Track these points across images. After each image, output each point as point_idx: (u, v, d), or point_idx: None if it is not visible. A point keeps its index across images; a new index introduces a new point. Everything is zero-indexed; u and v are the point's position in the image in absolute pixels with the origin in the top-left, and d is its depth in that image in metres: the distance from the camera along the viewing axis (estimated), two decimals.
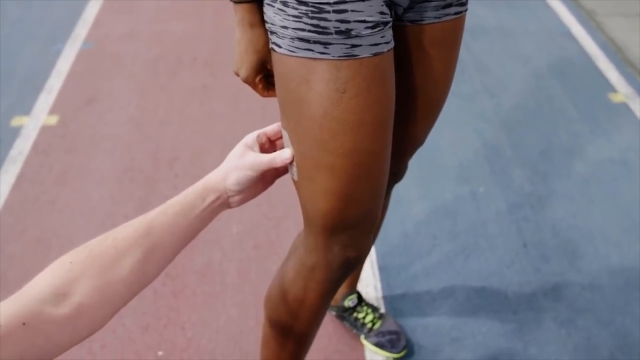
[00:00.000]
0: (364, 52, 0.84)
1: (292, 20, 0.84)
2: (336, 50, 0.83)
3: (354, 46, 0.83)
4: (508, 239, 1.85)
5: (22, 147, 2.20)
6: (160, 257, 0.84)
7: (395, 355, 1.52)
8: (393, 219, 1.91)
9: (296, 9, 0.83)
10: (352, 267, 1.05)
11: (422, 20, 0.96)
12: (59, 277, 0.75)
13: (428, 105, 1.06)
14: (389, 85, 0.90)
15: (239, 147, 0.96)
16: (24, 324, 0.69)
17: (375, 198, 0.97)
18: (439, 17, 0.96)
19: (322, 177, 0.92)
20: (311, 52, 0.84)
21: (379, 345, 1.53)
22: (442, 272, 1.75)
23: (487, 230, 1.88)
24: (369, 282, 1.72)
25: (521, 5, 3.15)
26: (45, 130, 2.28)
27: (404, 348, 1.53)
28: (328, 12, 0.82)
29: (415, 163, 2.12)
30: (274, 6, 0.86)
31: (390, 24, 0.88)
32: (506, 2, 3.18)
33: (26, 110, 2.37)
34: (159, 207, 0.88)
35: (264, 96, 1.00)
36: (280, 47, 0.88)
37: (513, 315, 1.64)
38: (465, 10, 1.00)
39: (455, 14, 0.97)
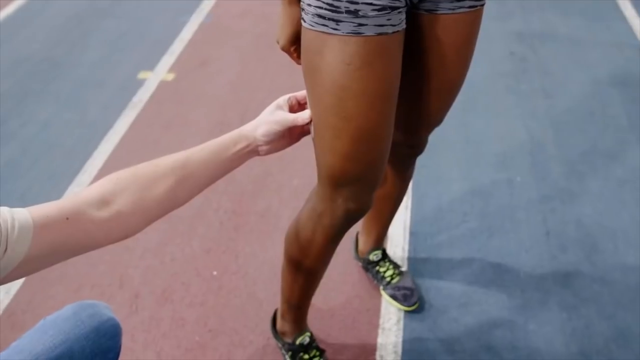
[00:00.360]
0: (368, 31, 0.84)
1: None
2: (345, 27, 0.84)
3: (360, 25, 0.83)
4: (532, 225, 1.76)
5: (142, 96, 2.35)
6: (191, 186, 0.89)
7: (406, 308, 1.51)
8: (431, 193, 1.88)
9: None
10: (353, 218, 1.05)
11: (437, 10, 0.93)
12: (106, 189, 0.80)
13: (441, 89, 1.03)
14: (393, 63, 0.89)
15: (271, 106, 0.99)
16: (67, 218, 0.73)
17: (374, 160, 0.96)
18: (453, 9, 0.92)
19: (329, 136, 0.93)
20: (325, 27, 0.85)
21: (393, 297, 1.53)
22: (464, 246, 1.70)
23: (514, 215, 1.80)
24: (399, 244, 1.71)
25: (596, 17, 2.89)
26: (162, 84, 2.42)
27: (415, 303, 1.51)
28: None
29: (461, 147, 2.09)
30: None
31: (400, 10, 0.87)
32: (581, 12, 2.93)
33: (151, 66, 2.53)
34: (200, 145, 0.94)
35: (298, 63, 1.02)
36: (305, 21, 0.89)
37: (521, 293, 1.57)
38: (482, 5, 0.95)
39: (470, 7, 0.93)
